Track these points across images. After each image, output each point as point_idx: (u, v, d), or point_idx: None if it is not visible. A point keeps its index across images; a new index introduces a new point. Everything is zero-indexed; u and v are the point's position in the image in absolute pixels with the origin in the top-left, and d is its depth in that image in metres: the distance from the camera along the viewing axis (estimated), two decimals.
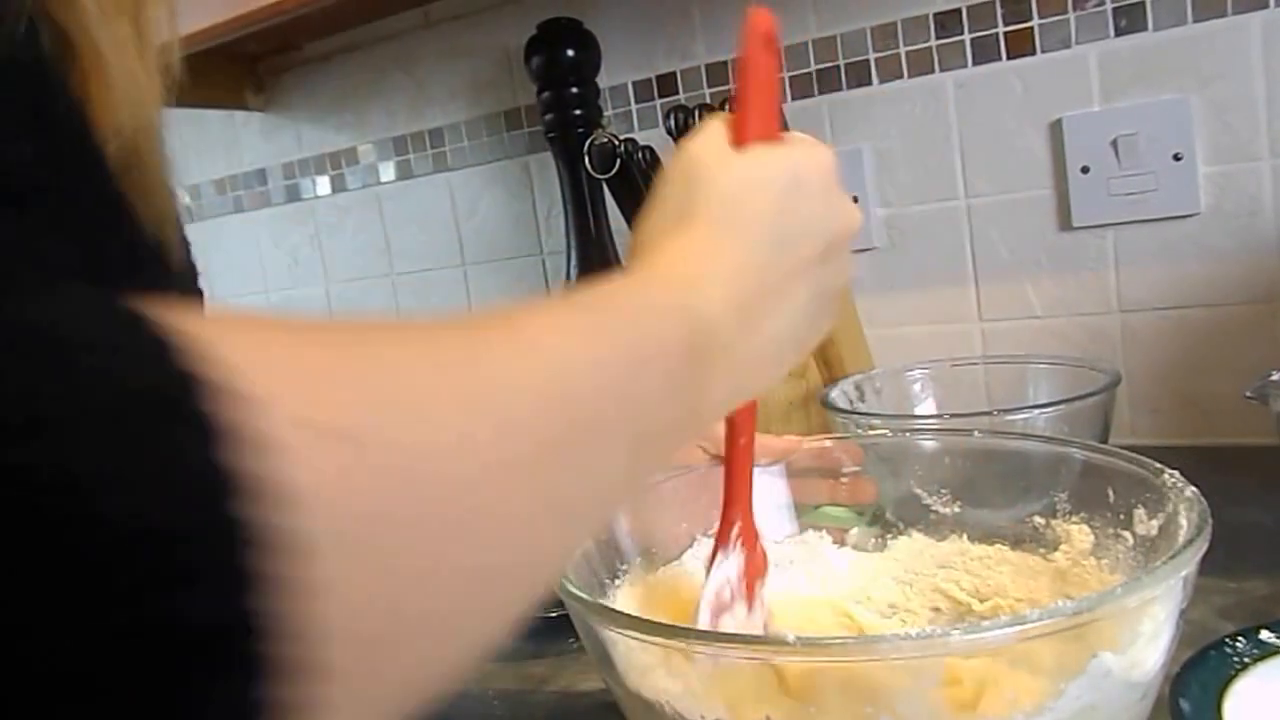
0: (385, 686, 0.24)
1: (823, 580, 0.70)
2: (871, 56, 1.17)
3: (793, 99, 1.21)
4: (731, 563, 0.59)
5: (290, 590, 0.21)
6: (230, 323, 0.24)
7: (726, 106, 0.54)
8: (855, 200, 1.11)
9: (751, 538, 0.60)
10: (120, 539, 0.19)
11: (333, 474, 0.23)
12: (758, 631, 0.59)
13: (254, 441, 0.21)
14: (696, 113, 0.99)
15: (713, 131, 0.51)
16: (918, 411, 1.03)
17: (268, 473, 0.21)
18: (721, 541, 0.60)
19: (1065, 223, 1.10)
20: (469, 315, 0.33)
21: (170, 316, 0.22)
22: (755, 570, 0.60)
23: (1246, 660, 0.60)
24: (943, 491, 0.71)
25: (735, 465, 0.60)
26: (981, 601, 0.65)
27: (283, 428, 0.22)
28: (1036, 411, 0.86)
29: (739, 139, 0.51)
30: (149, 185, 0.38)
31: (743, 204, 0.48)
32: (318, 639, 0.22)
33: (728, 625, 0.57)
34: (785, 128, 0.53)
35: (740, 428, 0.59)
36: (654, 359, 0.38)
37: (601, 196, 1.24)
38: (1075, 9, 1.06)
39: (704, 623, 0.57)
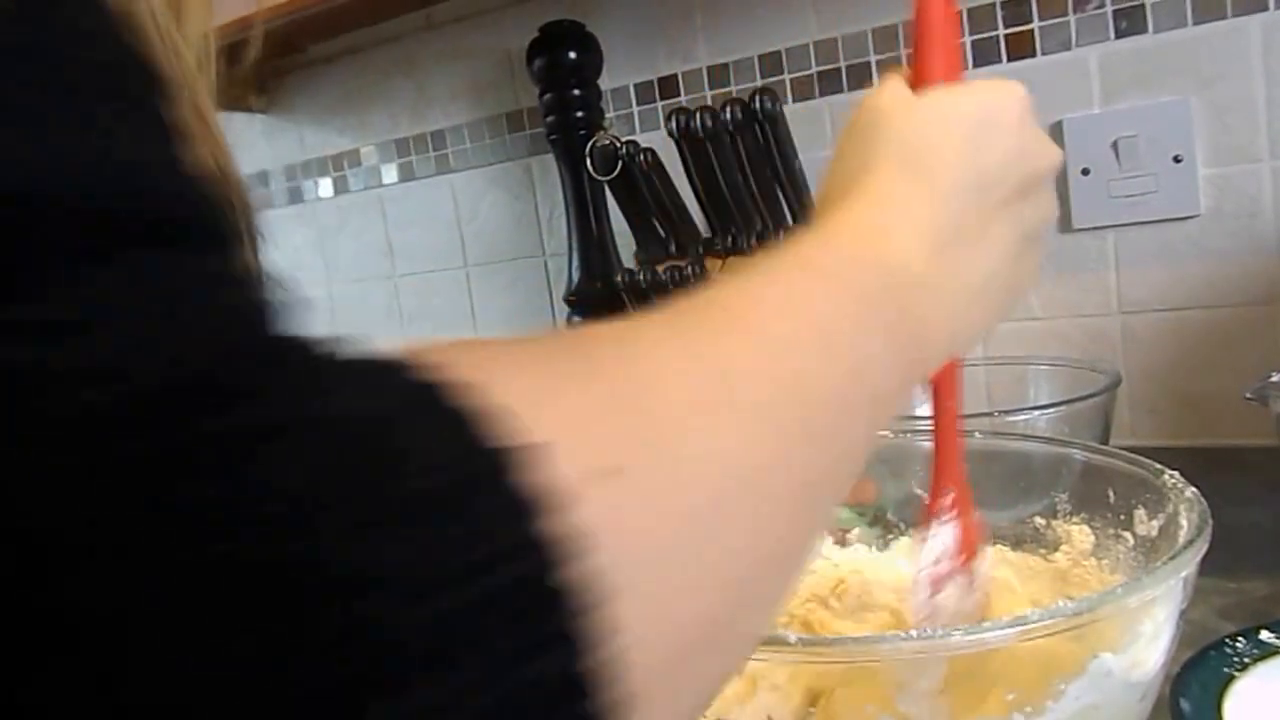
0: (682, 699, 0.26)
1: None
2: (873, 59, 1.17)
3: (793, 101, 1.21)
4: (946, 533, 0.55)
5: (605, 637, 0.22)
6: (492, 360, 0.25)
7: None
8: None
9: (967, 507, 0.56)
10: (451, 633, 0.20)
11: (615, 513, 0.23)
12: (974, 610, 0.54)
13: (554, 502, 0.21)
14: (698, 115, 0.99)
15: (892, 83, 0.48)
16: (919, 412, 1.03)
17: (570, 529, 0.21)
18: (933, 511, 0.56)
19: (1065, 224, 1.10)
20: (689, 307, 0.33)
21: (445, 368, 0.22)
22: (971, 543, 0.55)
23: (1246, 660, 0.60)
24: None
25: (943, 430, 0.57)
26: None
27: (572, 479, 0.22)
28: (1037, 412, 0.86)
29: (920, 85, 0.48)
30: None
31: (930, 147, 0.45)
32: (627, 675, 0.22)
33: (947, 600, 0.54)
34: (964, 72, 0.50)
35: (943, 390, 0.56)
36: (867, 317, 0.37)
37: (603, 198, 1.24)
38: (1075, 11, 1.06)
39: (921, 598, 0.54)
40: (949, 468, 0.56)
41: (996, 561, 0.64)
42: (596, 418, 0.25)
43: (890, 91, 0.48)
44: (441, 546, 0.20)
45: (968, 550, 0.55)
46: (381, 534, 0.20)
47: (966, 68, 1.12)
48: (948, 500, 0.55)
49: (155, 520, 0.18)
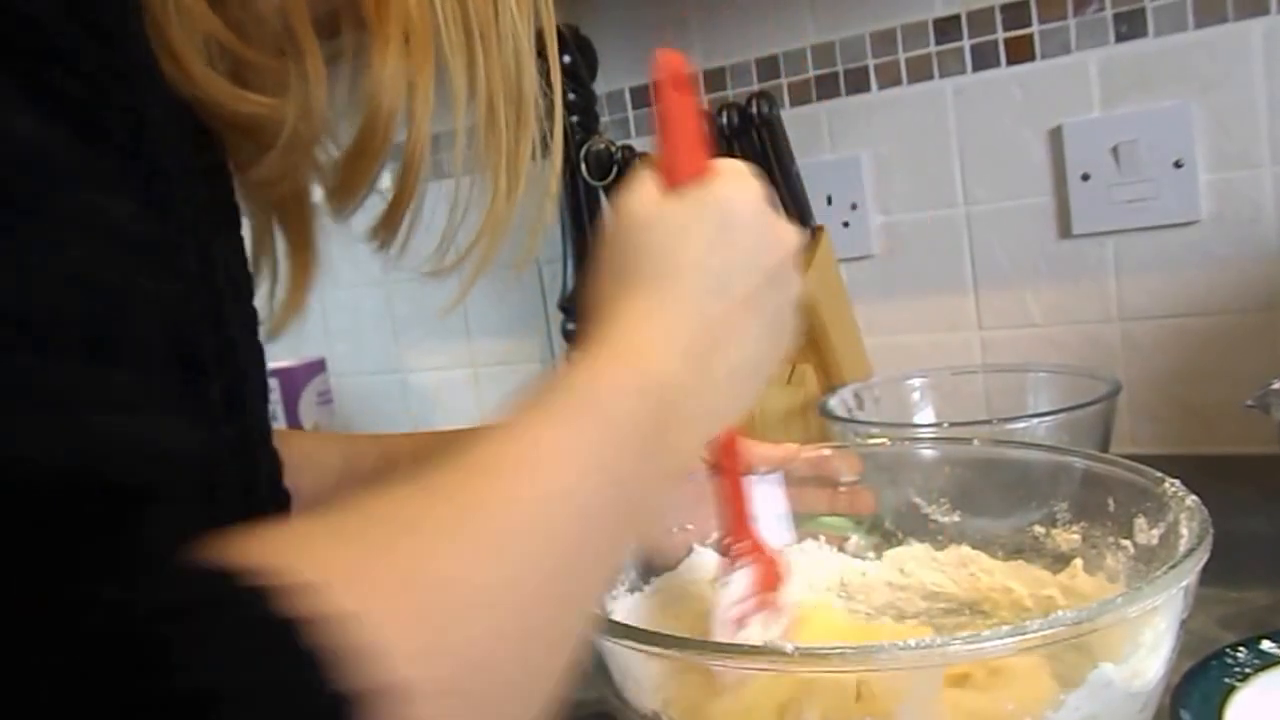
0: None
1: (822, 587, 0.69)
2: (870, 63, 1.17)
3: (791, 105, 1.21)
4: (743, 576, 0.59)
5: None
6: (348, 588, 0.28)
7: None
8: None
9: (762, 552, 0.60)
10: None
11: (432, 691, 0.28)
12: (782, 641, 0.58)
13: (384, 693, 0.26)
14: None
15: (641, 183, 0.52)
16: (917, 420, 1.03)
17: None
18: (729, 559, 0.60)
19: (1065, 230, 1.10)
20: (475, 454, 0.37)
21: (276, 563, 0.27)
22: (772, 581, 0.60)
23: (1248, 670, 0.60)
24: (942, 501, 0.71)
25: (729, 489, 0.61)
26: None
27: (400, 676, 0.27)
28: (1036, 420, 0.86)
29: (668, 182, 0.52)
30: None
31: (675, 256, 0.49)
32: None
33: (751, 634, 0.57)
34: (714, 155, 0.53)
35: (725, 458, 0.60)
36: (629, 441, 0.42)
37: (598, 204, 1.24)
38: (1075, 15, 1.06)
39: (726, 635, 0.57)
40: (739, 523, 0.61)
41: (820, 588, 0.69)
42: (412, 632, 0.29)
43: (640, 197, 0.52)
44: None
45: (767, 588, 0.59)
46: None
47: (965, 71, 1.12)
48: (742, 548, 0.60)
49: None
